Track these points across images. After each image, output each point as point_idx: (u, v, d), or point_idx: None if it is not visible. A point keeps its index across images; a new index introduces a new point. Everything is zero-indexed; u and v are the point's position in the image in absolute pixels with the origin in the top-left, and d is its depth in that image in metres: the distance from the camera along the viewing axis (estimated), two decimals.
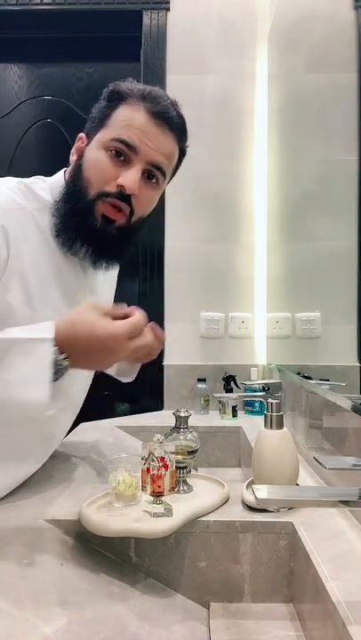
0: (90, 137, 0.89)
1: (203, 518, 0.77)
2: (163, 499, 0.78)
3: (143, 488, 0.79)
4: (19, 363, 0.69)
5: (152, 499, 0.78)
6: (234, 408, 1.52)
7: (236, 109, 1.80)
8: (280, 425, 0.86)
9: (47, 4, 1.84)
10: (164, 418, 1.57)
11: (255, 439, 0.89)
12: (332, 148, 1.04)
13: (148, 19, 1.82)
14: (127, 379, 1.11)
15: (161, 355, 1.71)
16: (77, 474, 1.01)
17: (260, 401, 1.58)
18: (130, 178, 0.84)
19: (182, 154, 0.93)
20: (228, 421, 1.50)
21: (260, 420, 1.04)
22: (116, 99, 0.87)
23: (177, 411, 0.90)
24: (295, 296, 1.34)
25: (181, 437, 0.88)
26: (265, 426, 0.87)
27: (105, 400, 1.80)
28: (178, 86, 1.78)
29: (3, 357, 0.69)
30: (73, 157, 0.91)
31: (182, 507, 0.77)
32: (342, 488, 0.72)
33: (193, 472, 0.92)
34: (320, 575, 0.61)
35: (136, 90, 0.87)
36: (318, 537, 0.71)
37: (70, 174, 0.90)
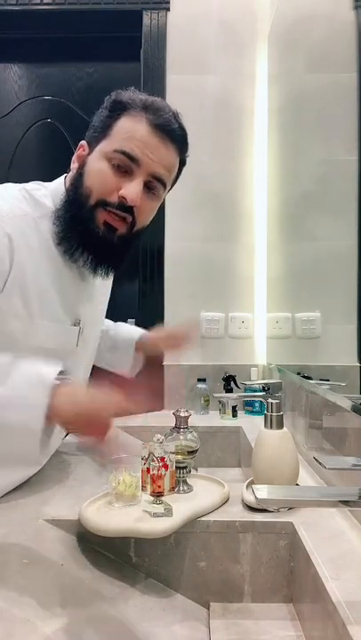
0: (91, 146, 0.89)
1: (203, 518, 0.77)
2: (163, 499, 0.78)
3: (143, 488, 0.79)
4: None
5: (152, 499, 0.78)
6: (234, 408, 1.52)
7: (236, 109, 1.80)
8: (280, 425, 0.86)
9: (47, 3, 1.84)
10: (164, 418, 1.57)
11: (255, 439, 0.89)
12: (333, 147, 1.04)
13: (148, 19, 1.81)
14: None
15: (161, 355, 1.71)
16: (77, 474, 1.01)
17: (260, 401, 1.57)
18: (132, 189, 0.84)
19: (182, 164, 0.94)
20: (228, 421, 1.50)
21: (260, 420, 1.04)
22: (118, 109, 0.87)
23: (177, 411, 0.91)
24: (295, 296, 1.34)
25: (181, 437, 0.88)
26: (265, 426, 0.87)
27: None
28: (178, 86, 1.78)
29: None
30: (74, 165, 0.91)
31: (182, 507, 0.77)
32: (342, 488, 0.72)
33: (193, 472, 0.92)
34: (320, 575, 0.61)
35: (138, 100, 0.87)
36: (318, 537, 0.71)
37: (71, 182, 0.90)
